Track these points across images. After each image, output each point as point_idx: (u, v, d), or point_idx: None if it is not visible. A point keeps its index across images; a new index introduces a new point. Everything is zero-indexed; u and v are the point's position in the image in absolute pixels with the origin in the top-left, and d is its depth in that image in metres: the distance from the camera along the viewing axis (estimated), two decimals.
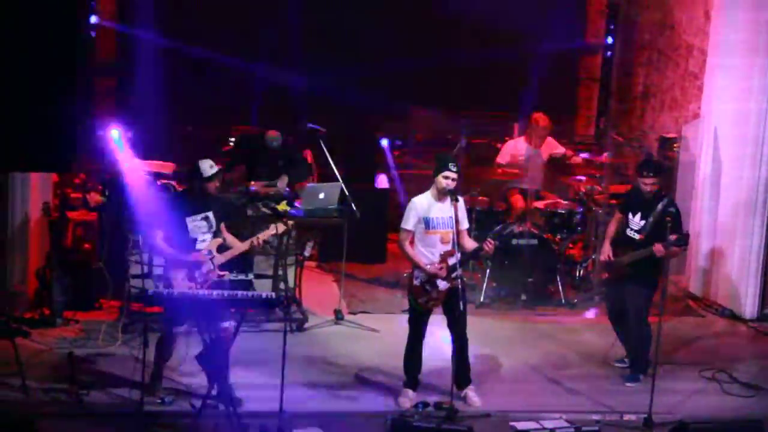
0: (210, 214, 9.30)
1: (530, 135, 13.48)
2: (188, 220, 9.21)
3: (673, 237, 9.73)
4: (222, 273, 9.25)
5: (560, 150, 13.59)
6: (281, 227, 9.70)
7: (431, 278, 9.35)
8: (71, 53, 7.37)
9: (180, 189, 11.23)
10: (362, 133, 15.24)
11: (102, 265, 11.37)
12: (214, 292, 8.79)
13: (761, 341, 11.89)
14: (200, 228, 9.25)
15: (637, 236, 10.14)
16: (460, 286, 9.27)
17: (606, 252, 10.33)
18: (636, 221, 10.18)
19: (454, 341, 9.43)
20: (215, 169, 9.25)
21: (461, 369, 9.48)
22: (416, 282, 9.42)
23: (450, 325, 9.49)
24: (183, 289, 9.02)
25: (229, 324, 9.03)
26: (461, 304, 9.22)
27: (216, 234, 9.34)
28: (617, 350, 10.56)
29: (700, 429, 8.62)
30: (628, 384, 10.18)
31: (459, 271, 9.32)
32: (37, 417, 8.55)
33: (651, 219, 10.07)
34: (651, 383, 9.24)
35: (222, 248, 9.35)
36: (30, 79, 7.25)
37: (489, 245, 9.41)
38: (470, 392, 9.57)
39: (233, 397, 8.81)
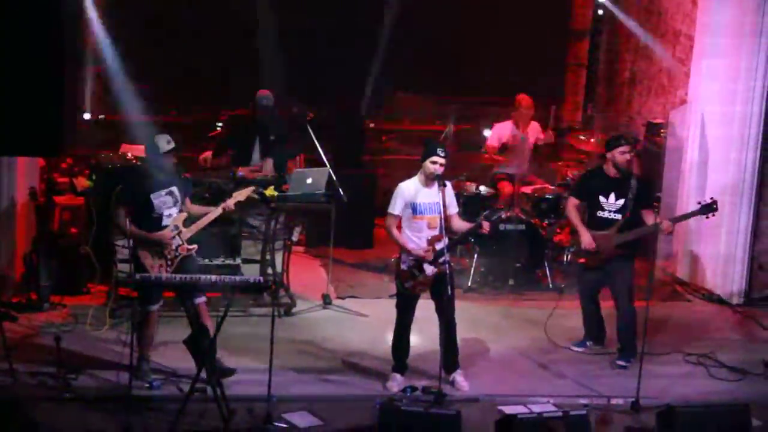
0: (174, 189, 9.37)
1: (516, 118, 13.48)
2: (152, 196, 9.26)
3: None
4: (191, 247, 9.32)
5: (541, 137, 13.60)
6: (244, 193, 9.75)
7: (418, 263, 9.35)
8: (58, 38, 7.33)
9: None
10: (349, 117, 15.21)
11: (89, 249, 11.34)
12: (202, 277, 8.80)
13: (748, 325, 11.92)
14: (165, 203, 9.30)
15: (618, 216, 10.13)
16: (447, 271, 9.28)
17: (589, 239, 10.21)
18: (611, 202, 10.16)
19: (441, 326, 9.44)
20: (172, 144, 9.34)
21: (449, 353, 9.49)
22: (403, 266, 9.42)
23: (438, 310, 9.49)
24: (153, 268, 9.05)
25: (202, 299, 9.15)
26: (449, 289, 9.22)
27: (182, 210, 9.37)
28: (574, 333, 10.72)
29: (687, 413, 8.63)
30: (620, 362, 10.19)
31: (446, 256, 9.33)
32: (25, 401, 8.57)
33: (630, 196, 10.11)
34: (638, 367, 9.27)
35: (189, 221, 9.37)
36: (15, 64, 7.21)
37: (486, 226, 9.45)
38: (458, 377, 9.58)
39: (225, 368, 8.82)
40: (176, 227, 9.29)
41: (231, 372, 9.15)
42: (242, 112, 12.71)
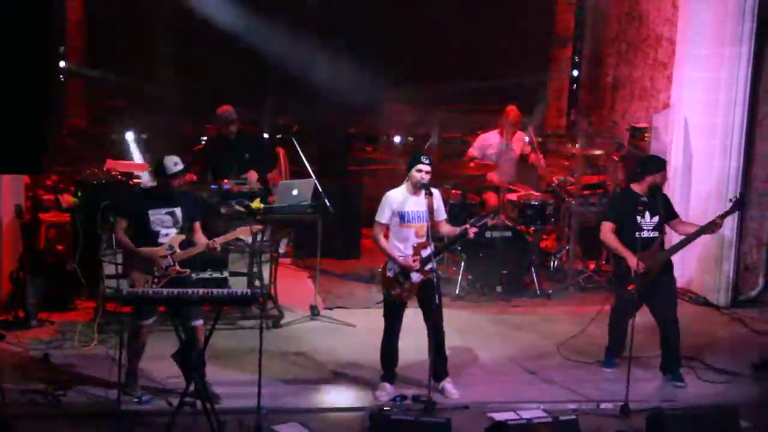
0: (177, 210, 9.31)
1: (502, 128, 13.55)
2: (150, 212, 9.22)
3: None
4: (183, 270, 9.24)
5: (527, 149, 13.67)
6: (243, 232, 9.70)
7: (404, 270, 9.36)
8: (43, 55, 7.33)
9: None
10: (334, 128, 15.24)
11: (76, 266, 11.33)
12: (189, 290, 8.77)
13: (735, 328, 11.97)
14: (163, 222, 9.25)
15: (656, 234, 10.00)
16: (435, 279, 9.30)
17: (637, 262, 9.78)
18: (647, 221, 9.99)
19: (430, 334, 9.45)
20: (180, 166, 9.28)
21: (438, 361, 9.50)
22: (389, 274, 9.44)
23: (426, 318, 9.50)
24: (140, 283, 9.04)
25: (199, 322, 9.07)
26: (436, 297, 9.24)
27: (182, 230, 9.35)
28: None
29: (676, 416, 8.66)
30: (679, 384, 10.01)
31: (433, 264, 9.35)
32: (14, 419, 8.53)
33: (662, 211, 10.04)
34: (627, 371, 9.28)
35: (186, 245, 9.34)
36: (1, 85, 7.20)
37: (472, 232, 9.45)
38: (447, 384, 9.59)
39: (211, 393, 8.81)
40: (171, 247, 9.22)
41: (216, 399, 9.04)
42: (212, 134, 12.70)
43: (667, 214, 10.15)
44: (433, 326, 9.43)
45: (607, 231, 10.09)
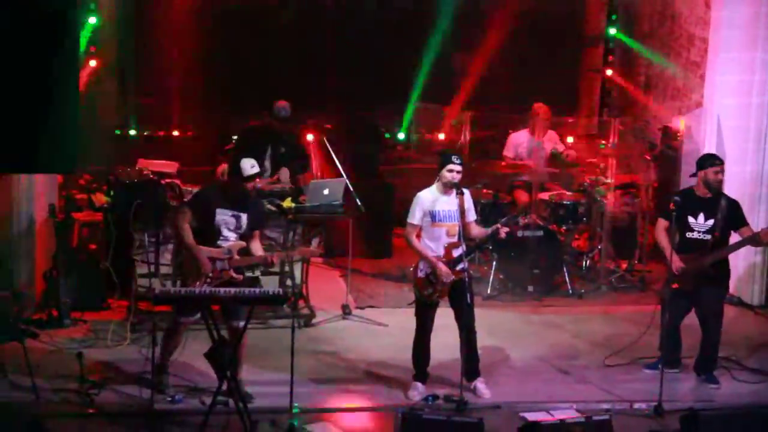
0: (243, 216, 9.29)
1: (532, 126, 13.53)
2: (218, 211, 9.20)
3: None
4: (237, 276, 9.21)
5: (560, 147, 13.64)
6: (302, 252, 10.02)
7: (436, 270, 9.35)
8: (73, 55, 7.37)
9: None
10: (365, 128, 15.25)
11: (108, 265, 11.38)
12: (222, 290, 8.77)
13: None
14: (227, 223, 9.22)
15: (708, 237, 9.89)
16: (466, 279, 9.28)
17: (677, 262, 9.81)
18: (701, 223, 9.91)
19: (461, 334, 9.42)
20: (255, 169, 9.27)
21: (470, 361, 9.47)
22: (421, 274, 9.42)
23: (457, 318, 9.47)
24: (193, 279, 9.04)
25: (242, 322, 9.06)
26: (468, 296, 9.22)
27: (243, 236, 9.33)
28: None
29: (710, 416, 8.60)
30: (714, 386, 9.96)
31: (465, 264, 9.32)
32: (47, 417, 8.57)
33: (720, 216, 9.89)
34: (660, 371, 9.23)
35: (243, 252, 9.33)
36: (31, 82, 7.24)
37: (503, 232, 9.42)
38: (479, 384, 9.57)
39: (244, 393, 8.81)
40: (229, 251, 9.20)
41: (249, 399, 9.03)
42: (254, 123, 12.68)
43: (733, 220, 9.99)
44: (464, 326, 9.40)
45: (659, 228, 10.18)
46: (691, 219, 9.93)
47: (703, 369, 10.12)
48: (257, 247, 9.41)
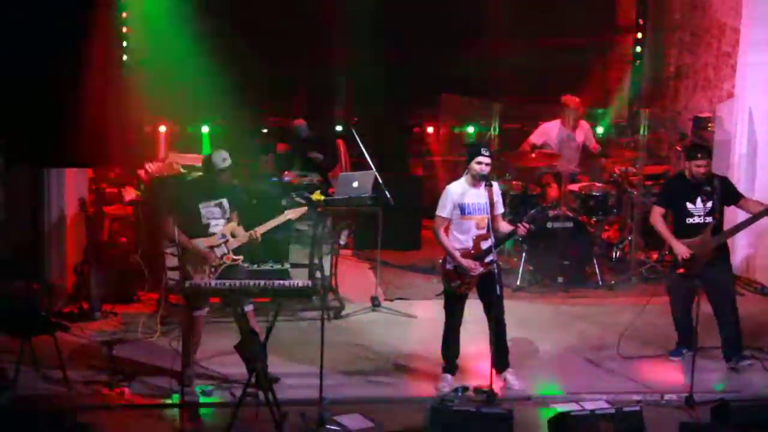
0: (224, 201, 9.43)
1: (563, 118, 13.49)
2: (201, 206, 9.33)
3: None
4: (236, 257, 9.34)
5: (591, 142, 13.63)
6: (292, 213, 9.77)
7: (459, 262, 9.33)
8: (101, 53, 7.43)
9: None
10: (394, 121, 15.24)
11: (139, 258, 11.43)
12: (251, 282, 8.83)
13: None
14: (213, 214, 9.37)
15: (709, 219, 9.88)
16: (495, 271, 9.25)
17: (683, 248, 9.85)
18: (699, 207, 9.92)
19: (491, 325, 9.41)
20: (228, 162, 9.36)
21: (500, 353, 9.46)
22: (449, 266, 9.41)
23: (486, 310, 9.46)
24: (197, 274, 9.13)
25: (250, 307, 9.18)
26: (498, 288, 9.19)
27: (229, 219, 9.42)
28: (664, 342, 10.54)
29: (742, 407, 8.55)
30: (743, 363, 9.98)
31: (494, 255, 9.30)
32: (79, 409, 8.62)
33: (716, 197, 9.89)
34: (692, 362, 9.19)
35: (234, 234, 9.41)
36: (60, 80, 7.31)
37: (523, 228, 9.39)
38: (509, 376, 9.55)
39: (271, 378, 8.83)
40: (223, 236, 9.35)
41: (275, 379, 9.08)
42: (284, 122, 12.75)
43: (729, 196, 10.03)
44: (494, 317, 9.39)
45: (655, 215, 10.15)
46: (689, 205, 9.94)
47: (733, 352, 10.06)
48: (237, 229, 9.51)
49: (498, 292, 9.20)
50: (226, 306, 9.04)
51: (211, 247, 9.29)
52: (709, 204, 9.91)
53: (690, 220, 9.95)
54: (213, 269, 9.21)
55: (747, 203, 10.10)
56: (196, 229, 9.31)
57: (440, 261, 9.66)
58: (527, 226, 9.40)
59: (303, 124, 12.25)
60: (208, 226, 9.37)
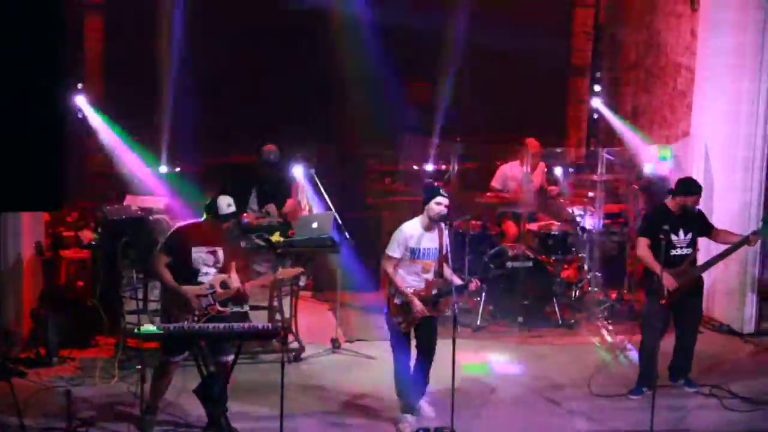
0: (219, 250, 9.25)
1: (522, 159, 13.55)
2: (194, 250, 9.16)
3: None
4: (223, 309, 9.17)
5: (546, 184, 13.75)
6: (284, 273, 9.81)
7: (411, 304, 9.33)
8: (56, 88, 7.34)
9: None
10: (352, 161, 15.25)
11: (96, 302, 11.33)
12: (210, 326, 8.74)
13: (760, 356, 11.88)
14: (205, 260, 9.17)
15: (689, 250, 10.25)
16: (437, 317, 9.42)
17: (671, 280, 9.98)
18: (681, 238, 10.20)
19: (420, 355, 9.50)
20: (233, 208, 9.23)
21: (422, 382, 9.58)
22: (396, 301, 9.39)
23: (419, 346, 9.54)
24: (180, 320, 8.98)
25: (230, 357, 9.03)
26: (433, 338, 9.44)
27: (221, 270, 9.30)
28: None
29: None
30: (690, 389, 10.42)
31: (454, 299, 9.29)
32: None
33: (696, 229, 10.29)
34: (652, 400, 9.20)
35: (225, 285, 9.29)
36: (13, 116, 7.21)
37: (475, 285, 9.52)
38: (423, 403, 9.64)
39: (231, 428, 8.75)
40: (211, 286, 9.16)
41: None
42: (240, 160, 12.68)
43: (703, 228, 10.41)
44: (425, 353, 9.50)
45: (643, 246, 10.25)
46: (673, 236, 10.10)
47: (680, 374, 10.47)
48: (233, 279, 9.36)
49: (432, 344, 9.42)
50: (204, 352, 8.88)
51: (197, 296, 9.15)
52: (689, 235, 10.23)
53: (674, 252, 10.13)
54: (196, 318, 9.07)
55: (719, 234, 10.50)
56: (184, 273, 9.14)
57: (389, 295, 9.56)
58: (479, 283, 9.54)
59: (274, 149, 12.13)
60: (197, 272, 9.18)
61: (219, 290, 9.17)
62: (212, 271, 9.22)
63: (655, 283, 10.08)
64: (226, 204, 9.18)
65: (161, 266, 9.12)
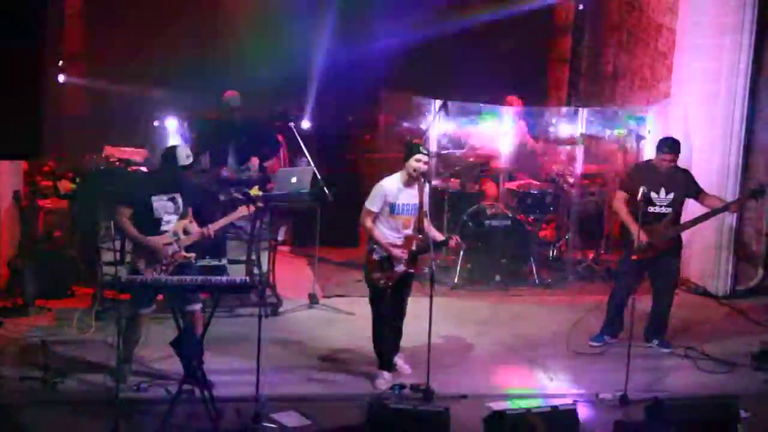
0: (178, 196, 9.24)
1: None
2: (154, 199, 9.13)
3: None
4: (188, 255, 9.19)
5: (528, 142, 13.71)
6: (243, 211, 9.67)
7: (389, 258, 9.35)
8: (35, 35, 7.27)
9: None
10: (332, 116, 15.22)
11: (74, 252, 11.29)
12: (188, 278, 8.72)
13: (734, 318, 11.97)
14: (166, 208, 9.17)
15: (669, 210, 10.27)
16: (413, 273, 9.44)
17: (643, 234, 10.02)
18: (662, 197, 10.23)
19: (393, 311, 9.55)
20: (191, 159, 9.20)
21: (396, 336, 9.67)
22: (375, 257, 9.39)
23: (393, 301, 9.54)
24: (147, 271, 8.98)
25: (196, 307, 9.05)
26: (408, 293, 9.52)
27: (182, 216, 9.30)
28: (589, 328, 10.72)
29: (675, 406, 8.61)
30: (665, 350, 10.52)
31: (432, 256, 9.33)
32: (11, 406, 8.51)
33: (681, 189, 10.29)
34: (626, 361, 9.26)
35: (187, 231, 9.29)
36: None
37: (454, 242, 9.53)
38: (399, 360, 9.72)
39: (207, 381, 8.77)
40: (175, 233, 9.16)
41: (211, 387, 8.99)
42: (211, 115, 12.61)
43: (690, 190, 10.40)
44: (397, 312, 9.57)
45: (619, 199, 10.42)
46: (652, 194, 10.16)
47: (656, 334, 10.60)
48: (193, 225, 9.39)
49: (406, 298, 9.51)
50: (171, 303, 8.90)
51: (164, 245, 9.16)
52: (671, 195, 10.23)
53: (651, 209, 10.19)
54: (164, 267, 9.08)
55: (706, 198, 10.47)
56: (147, 223, 9.13)
57: (368, 251, 9.56)
58: (458, 241, 9.55)
59: (235, 95, 12.07)
60: (160, 220, 9.17)
61: (182, 236, 9.19)
62: (173, 218, 9.23)
63: (628, 239, 10.24)
64: (185, 155, 9.15)
65: (124, 220, 9.11)
